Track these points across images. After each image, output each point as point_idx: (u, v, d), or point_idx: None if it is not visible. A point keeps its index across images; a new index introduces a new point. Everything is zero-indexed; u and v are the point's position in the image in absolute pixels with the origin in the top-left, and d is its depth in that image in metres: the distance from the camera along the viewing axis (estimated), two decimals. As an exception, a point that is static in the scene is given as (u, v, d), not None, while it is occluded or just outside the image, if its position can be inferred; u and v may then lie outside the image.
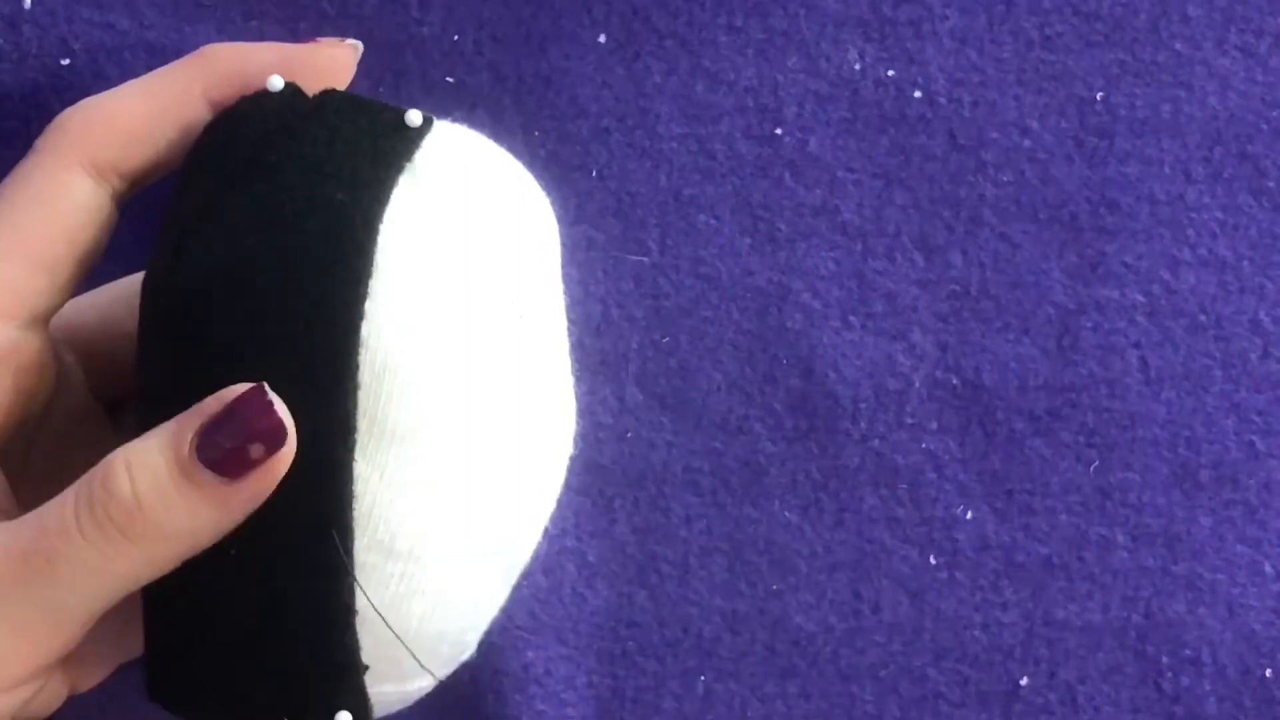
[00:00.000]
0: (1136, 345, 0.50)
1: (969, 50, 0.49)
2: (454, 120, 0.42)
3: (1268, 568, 0.49)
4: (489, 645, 0.45)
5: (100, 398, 0.44)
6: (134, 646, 0.41)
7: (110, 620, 0.39)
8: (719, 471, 0.49)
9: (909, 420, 0.49)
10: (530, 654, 0.48)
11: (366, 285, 0.38)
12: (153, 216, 0.42)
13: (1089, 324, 0.49)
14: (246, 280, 0.38)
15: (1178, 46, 0.50)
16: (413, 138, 0.40)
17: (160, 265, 0.39)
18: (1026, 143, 0.50)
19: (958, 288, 0.49)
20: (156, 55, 0.48)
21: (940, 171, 0.49)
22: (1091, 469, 0.49)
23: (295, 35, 0.48)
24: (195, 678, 0.40)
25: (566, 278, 0.45)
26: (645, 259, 0.49)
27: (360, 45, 0.43)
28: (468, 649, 0.42)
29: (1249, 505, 0.50)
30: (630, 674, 0.48)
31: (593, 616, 0.48)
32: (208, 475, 0.37)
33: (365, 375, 0.38)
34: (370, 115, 0.40)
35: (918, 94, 0.49)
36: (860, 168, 0.49)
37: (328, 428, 0.38)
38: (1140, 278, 0.50)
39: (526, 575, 0.45)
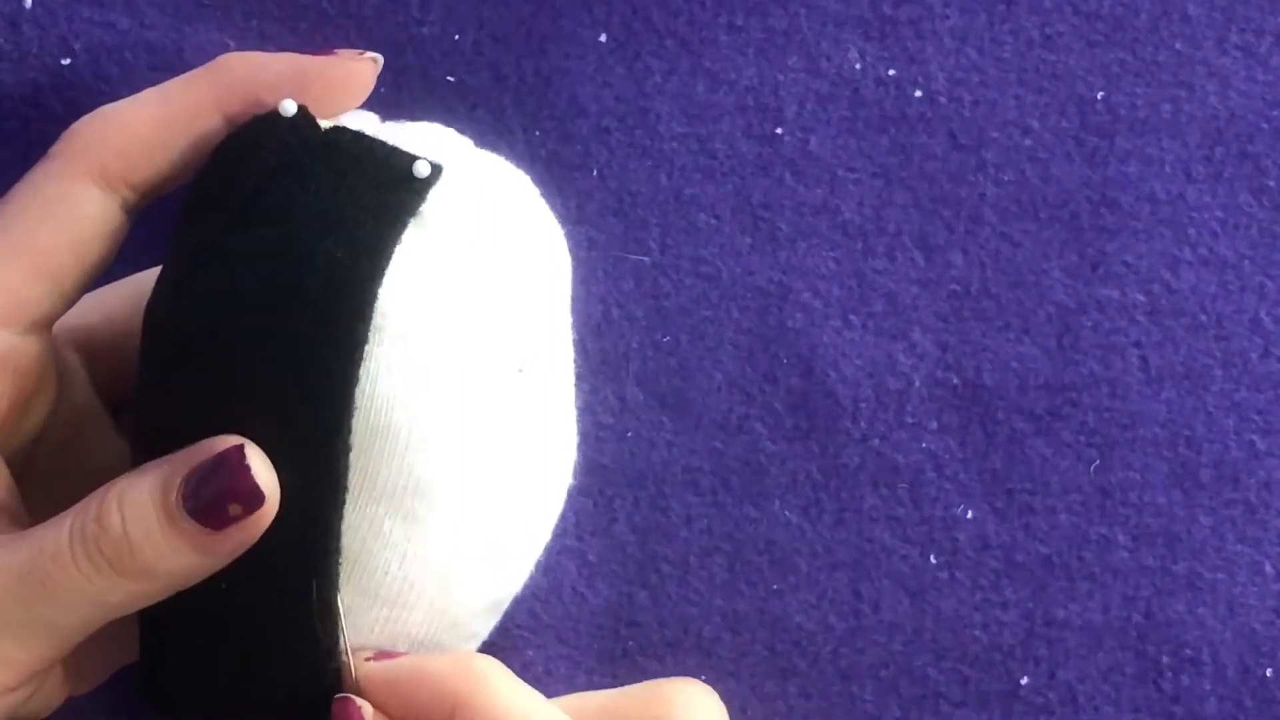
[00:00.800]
0: (1137, 345, 0.50)
1: (969, 49, 0.49)
2: (454, 121, 0.42)
3: (1268, 567, 0.49)
4: (489, 645, 0.45)
5: (104, 396, 0.44)
6: (132, 652, 0.42)
7: (108, 626, 0.39)
8: (719, 471, 0.49)
9: (909, 420, 0.49)
10: (530, 653, 0.48)
11: (362, 350, 0.38)
12: (159, 219, 0.42)
13: (1089, 323, 0.49)
14: (243, 330, 0.38)
15: (1178, 46, 0.50)
16: (419, 190, 0.39)
17: (162, 297, 0.39)
18: (1027, 142, 0.50)
19: (958, 287, 0.49)
20: (156, 55, 0.48)
21: (940, 171, 0.49)
22: (1092, 468, 0.49)
23: (296, 35, 0.48)
24: (186, 701, 0.41)
25: (566, 278, 0.45)
26: (646, 259, 0.49)
27: (380, 58, 0.42)
28: None
29: (1249, 505, 0.50)
30: (630, 674, 0.48)
31: (593, 616, 0.48)
32: (191, 524, 0.37)
33: (359, 434, 0.38)
34: (378, 162, 0.40)
35: (918, 93, 0.49)
36: (860, 167, 0.49)
37: (316, 485, 0.38)
38: (1141, 277, 0.50)
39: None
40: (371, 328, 0.38)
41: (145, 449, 0.39)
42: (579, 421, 0.45)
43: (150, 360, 0.39)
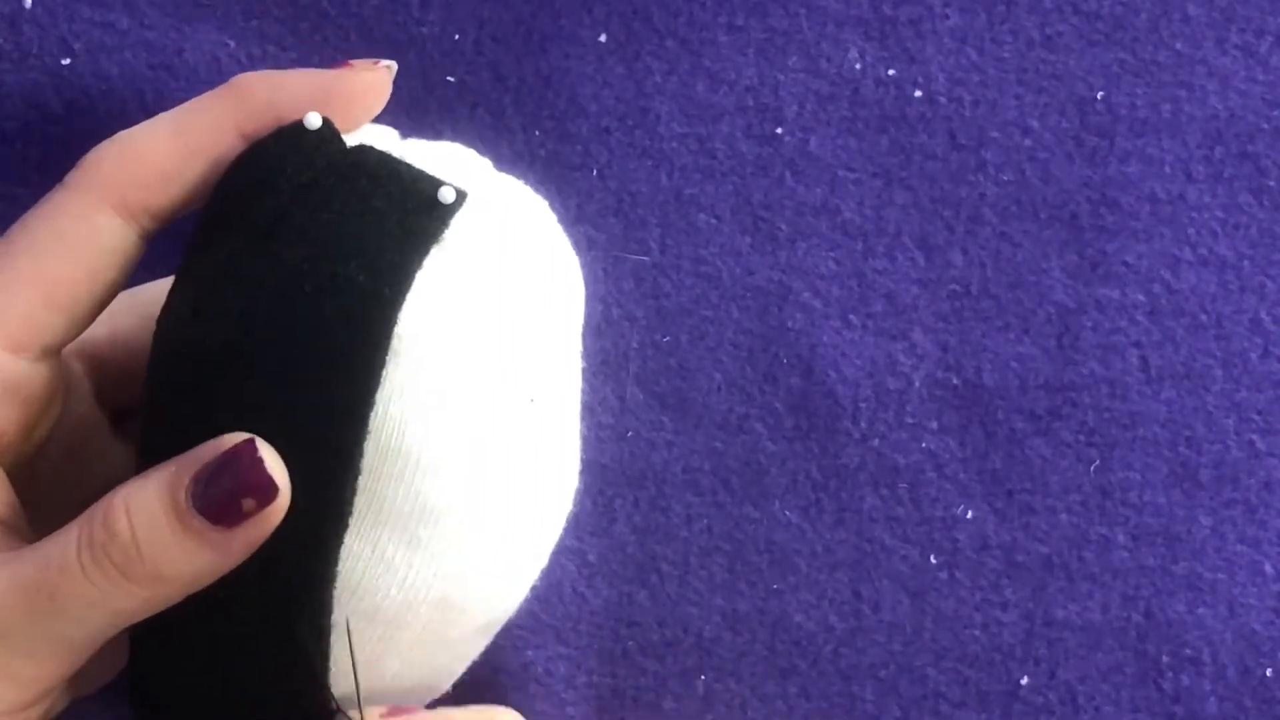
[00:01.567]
0: (1137, 344, 0.50)
1: (969, 49, 0.49)
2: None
3: (1268, 567, 0.49)
4: (489, 645, 0.45)
5: (105, 403, 0.44)
6: None
7: None
8: (719, 471, 0.49)
9: (909, 420, 0.49)
10: (530, 653, 0.48)
11: (378, 379, 0.38)
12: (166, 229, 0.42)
13: (1089, 323, 0.49)
14: (260, 351, 0.38)
15: (1178, 46, 0.50)
16: (443, 215, 0.39)
17: (178, 316, 0.39)
18: (1027, 142, 0.50)
19: (958, 287, 0.49)
20: (156, 55, 0.48)
21: (940, 171, 0.49)
22: (1092, 468, 0.49)
23: (296, 35, 0.48)
24: (171, 711, 0.41)
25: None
26: (646, 258, 0.49)
27: (394, 66, 0.42)
28: (439, 693, 0.43)
29: (1249, 505, 0.50)
30: (630, 674, 0.48)
31: (593, 616, 0.48)
32: (202, 522, 0.37)
33: (369, 457, 0.38)
34: (403, 185, 0.39)
35: (918, 93, 0.49)
36: (860, 167, 0.49)
37: (321, 508, 0.38)
38: (1141, 277, 0.50)
39: (526, 575, 0.45)
40: (389, 354, 0.38)
41: (151, 462, 0.38)
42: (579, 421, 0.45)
43: (162, 378, 0.39)
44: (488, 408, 0.39)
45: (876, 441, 0.49)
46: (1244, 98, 0.50)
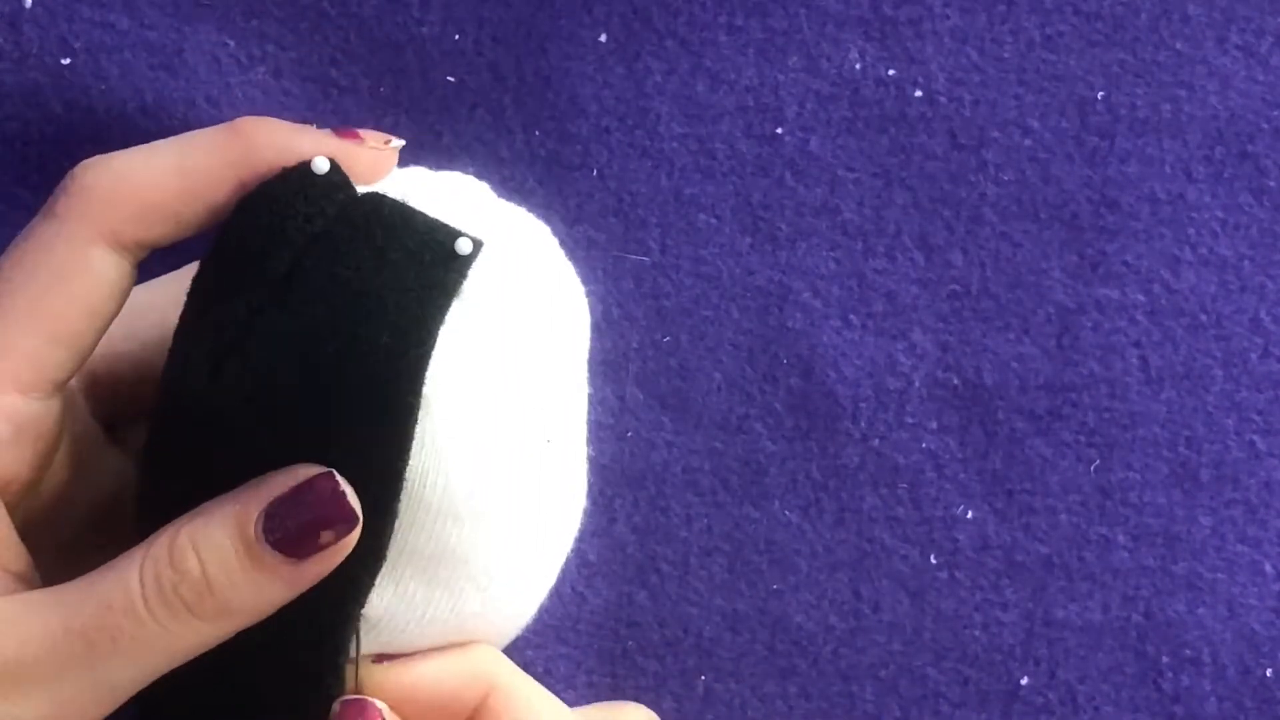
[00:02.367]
0: (1137, 345, 0.50)
1: (969, 49, 0.49)
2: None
3: (1268, 568, 0.49)
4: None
5: (99, 415, 0.44)
6: None
7: None
8: (719, 471, 0.49)
9: (909, 420, 0.49)
10: (530, 653, 0.48)
11: (411, 438, 0.38)
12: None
13: (1089, 323, 0.49)
14: (287, 415, 0.37)
15: (1178, 46, 0.50)
16: (461, 268, 0.38)
17: (195, 372, 0.38)
18: (1027, 142, 0.50)
19: (958, 287, 0.49)
20: (156, 55, 0.48)
21: (940, 171, 0.49)
22: (1092, 469, 0.49)
23: (296, 35, 0.48)
24: None
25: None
26: (645, 259, 0.49)
27: (403, 143, 0.41)
28: None
29: (1249, 505, 0.50)
30: (630, 674, 0.48)
31: (592, 616, 0.48)
32: (274, 556, 0.37)
33: (400, 507, 0.38)
34: (419, 237, 0.38)
35: (918, 93, 0.49)
36: (860, 167, 0.49)
37: (357, 558, 0.38)
38: (1141, 277, 0.50)
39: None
40: (416, 412, 0.38)
41: (154, 517, 0.38)
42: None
43: (175, 437, 0.39)
44: (509, 453, 0.39)
45: (876, 441, 0.49)
46: (1244, 98, 0.50)
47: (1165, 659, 0.49)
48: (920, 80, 0.49)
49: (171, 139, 0.40)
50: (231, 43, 0.48)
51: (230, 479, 0.38)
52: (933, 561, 0.49)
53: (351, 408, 0.37)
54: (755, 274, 0.49)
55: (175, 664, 0.38)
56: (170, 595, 0.37)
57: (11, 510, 0.39)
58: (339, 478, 0.37)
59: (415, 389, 0.37)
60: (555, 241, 0.42)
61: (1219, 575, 0.49)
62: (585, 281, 0.45)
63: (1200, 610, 0.49)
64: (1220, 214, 0.50)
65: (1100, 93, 0.50)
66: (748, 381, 0.49)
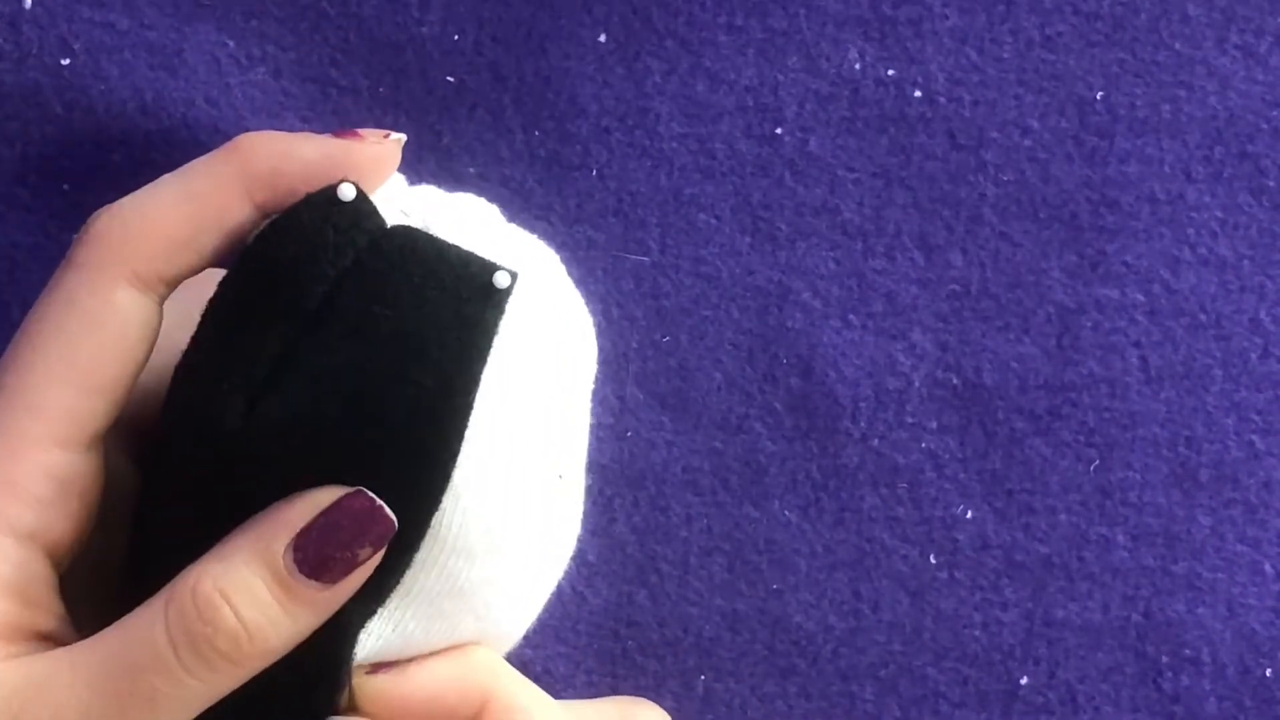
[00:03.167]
0: (1136, 344, 0.50)
1: (969, 50, 0.49)
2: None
3: (1268, 567, 0.49)
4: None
5: (134, 458, 0.43)
6: None
7: None
8: (719, 471, 0.49)
9: (909, 420, 0.49)
10: (529, 653, 0.48)
11: (448, 480, 0.37)
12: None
13: (1089, 323, 0.49)
14: (324, 454, 0.37)
15: (1178, 46, 0.50)
16: (499, 303, 0.38)
17: (227, 406, 0.37)
18: (1026, 142, 0.50)
19: (958, 287, 0.49)
20: (156, 55, 0.48)
21: (940, 171, 0.49)
22: (1091, 468, 0.49)
23: (296, 35, 0.48)
24: None
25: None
26: (645, 258, 0.49)
27: (404, 137, 0.41)
28: None
29: (1249, 505, 0.50)
30: (630, 674, 0.48)
31: (592, 616, 0.48)
32: (309, 585, 0.37)
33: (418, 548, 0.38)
34: (455, 271, 0.38)
35: (918, 93, 0.49)
36: (860, 167, 0.49)
37: (366, 597, 0.38)
38: (1140, 277, 0.50)
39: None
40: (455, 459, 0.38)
41: (176, 546, 0.38)
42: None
43: (200, 466, 0.38)
44: (523, 490, 0.39)
45: (876, 441, 0.49)
46: (1244, 98, 0.50)
47: (1165, 659, 0.49)
48: (920, 80, 0.49)
49: (175, 172, 0.40)
50: (231, 43, 0.48)
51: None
52: (932, 561, 0.49)
53: (392, 450, 0.37)
54: (755, 274, 0.49)
55: (204, 707, 0.37)
56: (207, 651, 0.36)
57: (60, 568, 0.39)
58: (368, 492, 0.37)
59: (457, 434, 0.37)
60: (564, 270, 0.42)
61: (1219, 575, 0.49)
62: (585, 282, 0.45)
63: (1200, 610, 0.49)
64: (1220, 214, 0.50)
65: (1100, 93, 0.50)
66: (748, 381, 0.49)
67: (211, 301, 0.39)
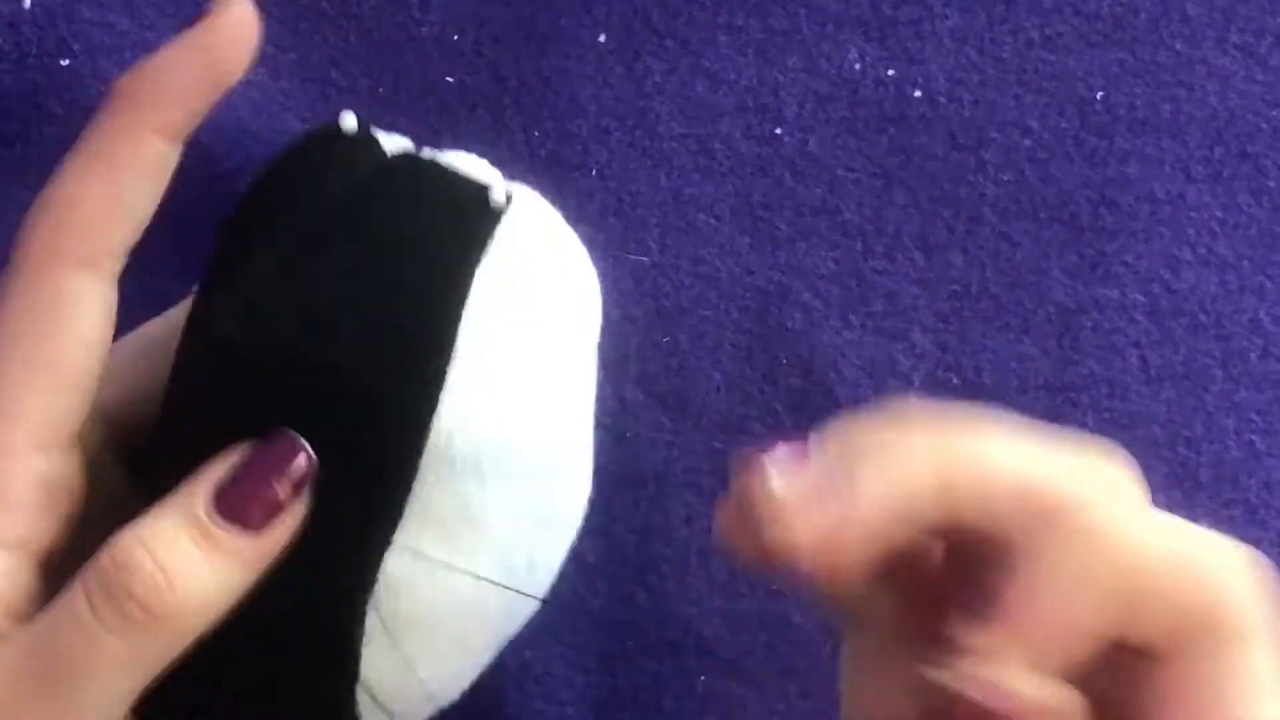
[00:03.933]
0: (1136, 345, 0.50)
1: (969, 50, 0.49)
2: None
3: (1268, 567, 0.49)
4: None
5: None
6: None
7: None
8: (719, 471, 0.49)
9: (909, 420, 0.49)
10: (529, 653, 0.48)
11: (442, 382, 0.37)
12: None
13: (1089, 323, 0.49)
14: (322, 354, 0.37)
15: (1178, 46, 0.50)
16: (494, 217, 0.39)
17: (228, 313, 0.38)
18: (1027, 142, 0.50)
19: (958, 287, 0.49)
20: (156, 55, 0.48)
21: (940, 171, 0.49)
22: (1091, 469, 0.49)
23: (296, 35, 0.48)
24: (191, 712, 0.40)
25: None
26: (645, 258, 0.49)
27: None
28: (447, 703, 0.43)
29: (1249, 505, 0.50)
30: (630, 674, 0.48)
31: (592, 616, 0.48)
32: (231, 529, 0.36)
33: (423, 464, 0.38)
34: (453, 188, 0.39)
35: (918, 94, 0.49)
36: (860, 167, 0.49)
37: (374, 516, 0.37)
38: (1140, 277, 0.50)
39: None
40: (451, 359, 0.38)
41: (179, 464, 0.37)
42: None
43: (203, 376, 0.38)
44: (532, 410, 0.39)
45: (876, 441, 0.49)
46: (1244, 98, 0.50)
47: (1165, 659, 0.49)
48: (920, 80, 0.49)
49: (77, 145, 0.39)
50: (231, 43, 0.48)
51: (262, 428, 0.37)
52: (933, 561, 0.49)
53: (385, 351, 0.37)
54: (755, 274, 0.49)
55: (148, 678, 0.36)
56: (123, 602, 0.35)
57: (50, 573, 0.38)
58: (290, 431, 0.36)
59: (450, 332, 0.37)
60: (566, 224, 0.43)
61: (1219, 575, 0.49)
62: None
63: (1200, 610, 0.49)
64: (1220, 214, 0.50)
65: (1100, 93, 0.50)
66: (748, 381, 0.49)
67: (217, 237, 0.39)
